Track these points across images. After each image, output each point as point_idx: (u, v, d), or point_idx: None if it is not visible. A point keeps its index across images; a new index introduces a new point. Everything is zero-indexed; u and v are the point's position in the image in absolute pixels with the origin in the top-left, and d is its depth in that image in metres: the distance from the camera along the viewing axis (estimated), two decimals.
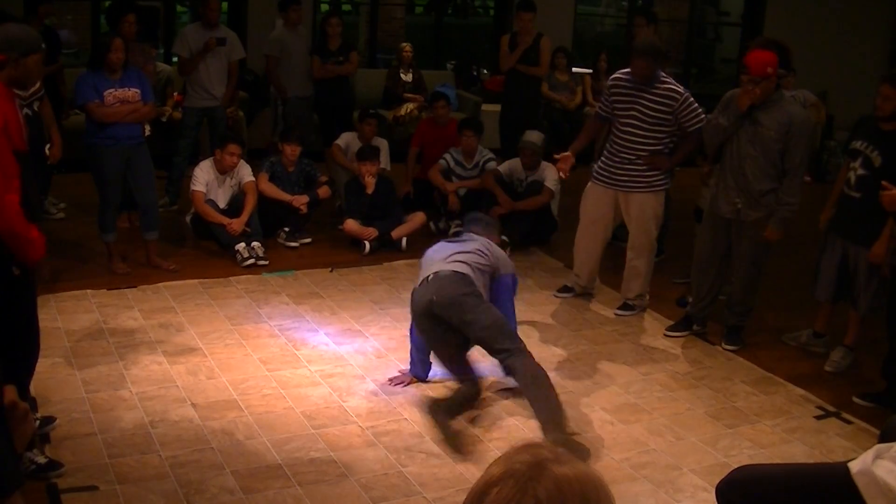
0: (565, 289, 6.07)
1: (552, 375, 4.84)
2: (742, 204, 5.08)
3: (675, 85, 5.47)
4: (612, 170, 5.61)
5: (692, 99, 5.47)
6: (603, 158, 5.71)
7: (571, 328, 5.54)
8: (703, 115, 5.43)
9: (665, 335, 5.51)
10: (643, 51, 5.39)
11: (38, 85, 5.43)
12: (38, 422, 3.97)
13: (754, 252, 5.18)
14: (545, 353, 5.11)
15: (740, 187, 5.07)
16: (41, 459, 3.64)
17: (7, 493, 1.96)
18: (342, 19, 8.24)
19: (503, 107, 8.28)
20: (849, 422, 4.56)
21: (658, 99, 5.42)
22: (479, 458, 3.96)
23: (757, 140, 4.98)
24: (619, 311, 5.81)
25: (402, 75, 9.54)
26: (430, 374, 4.69)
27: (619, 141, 5.58)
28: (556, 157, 5.74)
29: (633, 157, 5.52)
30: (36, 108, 5.39)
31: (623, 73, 5.59)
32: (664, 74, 5.51)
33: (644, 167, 5.53)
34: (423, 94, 9.36)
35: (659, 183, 5.59)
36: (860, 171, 4.86)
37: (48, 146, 5.65)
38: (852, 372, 5.15)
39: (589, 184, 5.81)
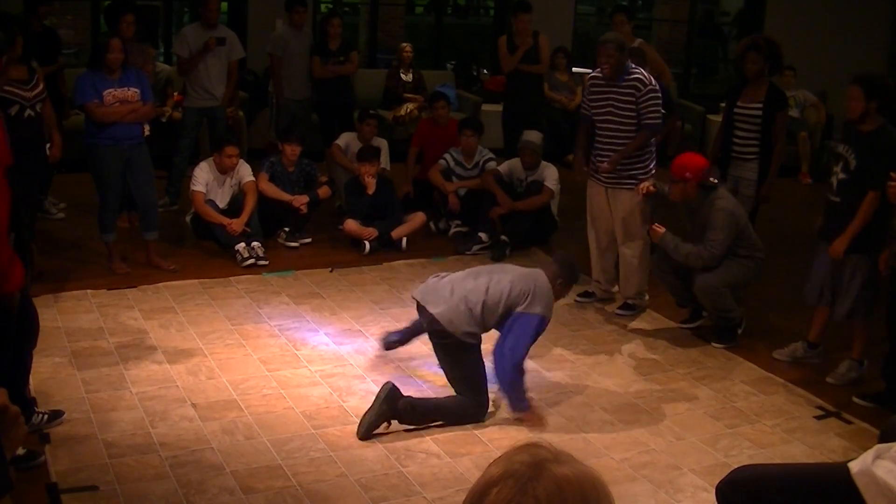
0: (586, 294, 6.00)
1: (552, 376, 4.86)
2: None
3: (642, 76, 5.50)
4: (598, 167, 5.68)
5: (657, 93, 5.49)
6: (593, 156, 5.77)
7: (571, 328, 5.54)
8: (660, 113, 5.52)
9: (680, 328, 5.59)
10: (604, 39, 5.54)
11: (41, 86, 5.43)
12: (45, 416, 3.99)
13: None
14: (545, 353, 5.12)
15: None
16: (19, 451, 3.64)
17: None
18: (343, 19, 8.25)
19: (505, 107, 8.28)
20: (849, 422, 4.56)
21: (627, 91, 5.48)
22: (479, 458, 3.96)
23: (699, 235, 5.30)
24: (620, 311, 5.81)
25: (402, 75, 9.54)
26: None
27: (599, 139, 5.66)
28: (578, 173, 5.82)
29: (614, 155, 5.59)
30: (39, 109, 5.40)
31: (597, 72, 5.66)
32: (633, 66, 5.57)
33: (628, 165, 5.58)
34: (423, 94, 9.36)
35: (642, 179, 5.62)
36: (840, 176, 4.87)
37: (48, 146, 5.66)
38: None
39: (588, 181, 5.85)
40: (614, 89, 5.51)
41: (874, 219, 4.72)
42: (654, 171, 5.71)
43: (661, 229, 5.31)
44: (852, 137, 4.86)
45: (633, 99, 5.46)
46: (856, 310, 4.89)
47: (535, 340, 4.32)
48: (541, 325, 4.28)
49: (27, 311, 3.87)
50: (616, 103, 5.51)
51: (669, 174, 5.24)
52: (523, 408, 4.32)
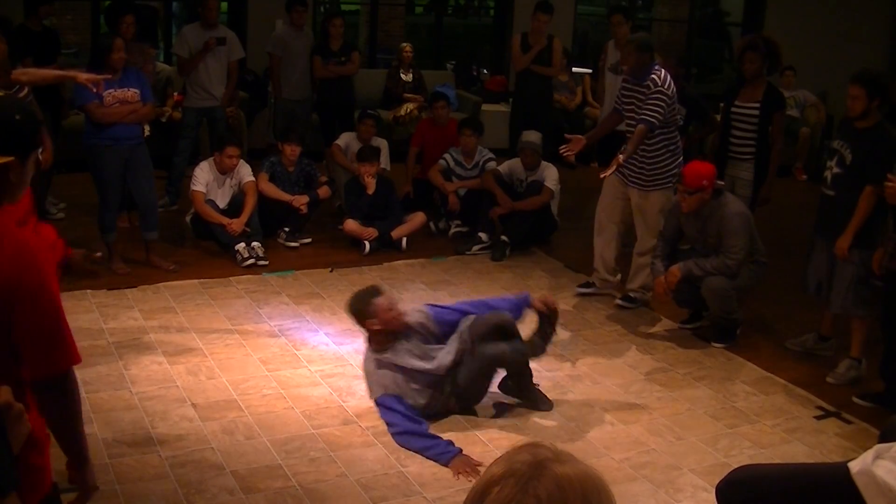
0: (586, 284, 6.13)
1: (552, 376, 4.86)
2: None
3: (657, 77, 5.51)
4: (625, 166, 5.71)
5: (664, 95, 5.47)
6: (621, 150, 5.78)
7: (571, 328, 5.54)
8: (658, 114, 5.46)
9: (680, 328, 5.60)
10: (628, 39, 5.68)
11: (25, 90, 5.41)
12: None
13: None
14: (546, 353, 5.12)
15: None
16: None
17: (3, 494, 1.95)
18: (344, 19, 8.26)
19: (514, 107, 8.28)
20: (849, 422, 4.56)
21: (644, 89, 5.53)
22: (479, 458, 3.96)
23: (708, 240, 5.31)
24: (621, 302, 5.89)
25: (402, 75, 9.55)
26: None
27: (628, 134, 5.70)
28: (568, 137, 5.77)
29: (638, 154, 5.60)
30: None
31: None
32: (658, 67, 5.59)
33: (648, 165, 5.62)
34: (423, 94, 9.37)
35: (664, 181, 5.66)
36: (835, 170, 4.92)
37: (39, 150, 5.64)
38: None
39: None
40: (638, 87, 5.58)
41: (871, 214, 4.75)
42: (675, 172, 5.69)
43: (675, 268, 5.27)
44: (848, 133, 4.89)
45: (644, 98, 5.51)
46: (850, 303, 4.91)
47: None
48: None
49: None
50: (637, 101, 5.57)
51: (683, 186, 5.19)
52: (442, 460, 3.94)
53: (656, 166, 5.63)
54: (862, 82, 4.73)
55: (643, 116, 5.47)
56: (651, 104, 5.46)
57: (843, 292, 4.90)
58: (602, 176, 5.56)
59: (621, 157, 5.47)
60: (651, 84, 5.48)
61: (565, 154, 5.79)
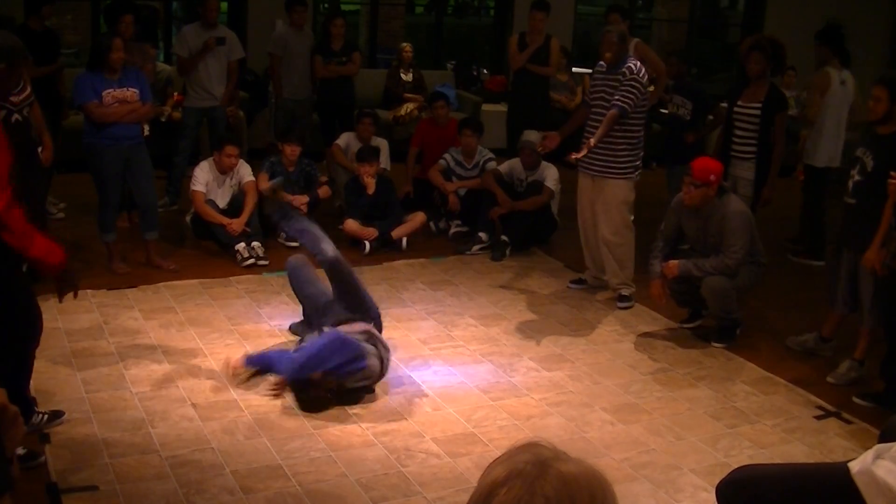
0: (579, 281, 6.22)
1: (552, 376, 4.86)
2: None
3: (633, 66, 5.55)
4: (588, 157, 5.75)
5: (638, 84, 5.52)
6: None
7: (571, 328, 5.55)
8: (630, 100, 5.50)
9: (680, 328, 5.60)
10: (608, 29, 5.72)
11: (28, 91, 5.40)
12: (45, 416, 3.99)
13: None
14: (545, 354, 5.12)
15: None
16: (19, 451, 3.63)
17: None
18: (345, 19, 8.26)
19: (510, 107, 8.28)
20: (849, 422, 4.56)
21: (616, 78, 5.58)
22: (479, 458, 3.96)
23: (708, 240, 5.31)
24: (620, 304, 5.89)
25: (402, 75, 9.55)
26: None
27: (589, 125, 5.74)
28: (545, 134, 5.86)
29: (602, 144, 5.63)
30: (26, 114, 5.36)
31: (600, 62, 5.79)
32: (634, 59, 5.66)
33: (604, 152, 5.65)
34: (423, 94, 9.37)
35: (628, 170, 5.72)
36: (856, 178, 4.86)
37: (40, 149, 5.64)
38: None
39: (579, 173, 5.98)
40: (609, 77, 5.63)
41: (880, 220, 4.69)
42: (636, 164, 5.75)
43: (673, 263, 5.29)
44: (869, 140, 4.84)
45: (618, 85, 5.54)
46: (872, 307, 4.89)
47: None
48: None
49: (31, 311, 3.88)
50: (607, 91, 5.62)
51: (690, 178, 5.19)
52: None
53: (613, 154, 5.65)
54: (886, 83, 4.66)
55: (616, 102, 5.52)
56: (625, 90, 5.51)
57: (870, 296, 4.88)
58: (573, 157, 5.54)
59: (592, 140, 5.49)
60: (627, 72, 5.53)
61: (541, 151, 5.85)
